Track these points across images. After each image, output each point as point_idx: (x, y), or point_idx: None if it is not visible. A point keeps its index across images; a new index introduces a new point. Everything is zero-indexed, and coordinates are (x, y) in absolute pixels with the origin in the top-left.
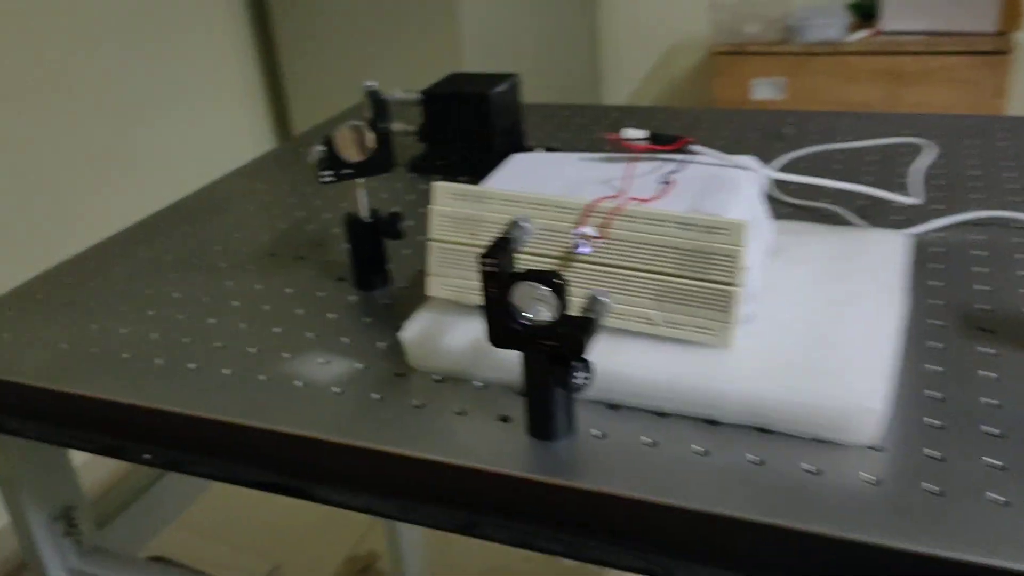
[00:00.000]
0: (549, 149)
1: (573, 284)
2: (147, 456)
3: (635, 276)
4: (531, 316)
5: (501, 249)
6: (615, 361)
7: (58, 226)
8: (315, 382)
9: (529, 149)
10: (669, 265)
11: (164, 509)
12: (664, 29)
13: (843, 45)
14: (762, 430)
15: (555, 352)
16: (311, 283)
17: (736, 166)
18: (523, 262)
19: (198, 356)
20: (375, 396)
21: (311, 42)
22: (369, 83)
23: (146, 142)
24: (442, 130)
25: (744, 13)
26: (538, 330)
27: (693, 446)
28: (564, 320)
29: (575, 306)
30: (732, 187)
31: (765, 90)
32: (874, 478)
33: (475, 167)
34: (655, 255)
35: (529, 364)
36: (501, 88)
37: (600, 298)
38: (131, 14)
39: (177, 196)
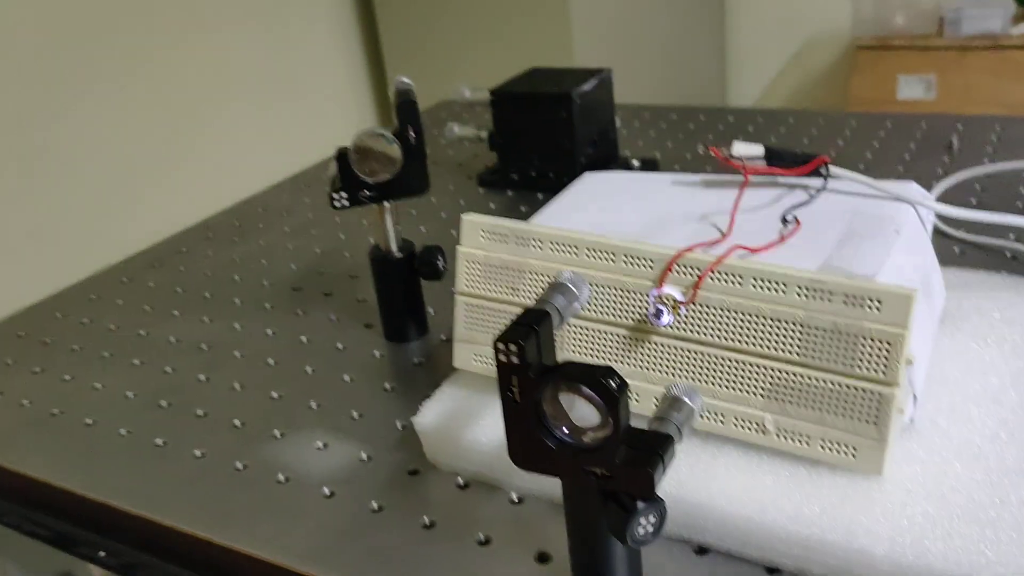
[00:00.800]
0: (645, 163)
1: (648, 367)
2: (102, 554)
3: (739, 361)
4: (575, 426)
5: (527, 329)
6: (705, 485)
7: (129, 228)
8: (303, 477)
9: (624, 161)
10: (790, 349)
11: None
12: (800, 21)
13: (1005, 39)
14: None
15: (609, 486)
16: (333, 330)
17: (893, 197)
18: (572, 335)
19: (171, 428)
20: (374, 506)
21: (416, 37)
22: (401, 79)
23: (229, 139)
24: (516, 137)
25: (891, 3)
26: (584, 452)
27: None
28: (621, 440)
29: (647, 406)
30: (887, 232)
31: (912, 89)
32: None
33: (556, 182)
34: (769, 333)
35: (571, 498)
36: (587, 86)
37: (683, 398)
38: (240, 4)
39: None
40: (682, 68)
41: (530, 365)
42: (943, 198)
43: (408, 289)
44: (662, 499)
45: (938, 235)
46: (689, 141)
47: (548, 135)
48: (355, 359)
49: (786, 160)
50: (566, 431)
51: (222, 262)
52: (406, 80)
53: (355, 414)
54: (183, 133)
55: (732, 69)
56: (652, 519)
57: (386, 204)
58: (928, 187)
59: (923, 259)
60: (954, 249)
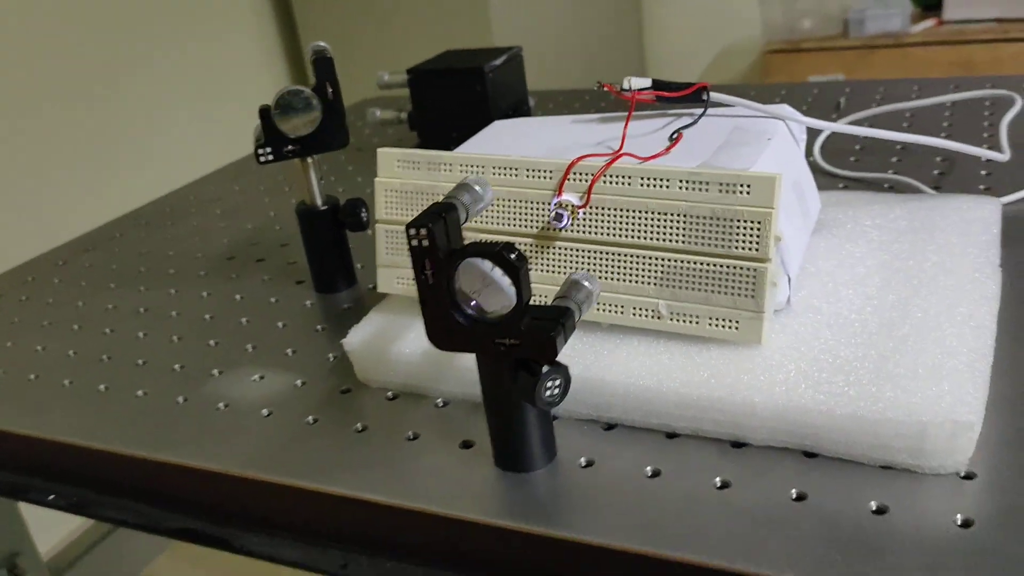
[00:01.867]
0: None
1: (554, 270)
2: (52, 497)
3: (632, 255)
4: (485, 307)
5: (436, 216)
6: (608, 366)
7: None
8: (242, 404)
9: None
10: (676, 238)
11: (125, 560)
12: (714, 28)
13: (905, 37)
14: (806, 454)
15: (517, 355)
16: (265, 288)
17: (768, 115)
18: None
19: (113, 377)
20: (310, 419)
21: (335, 29)
22: (317, 43)
23: (159, 135)
24: (433, 113)
25: (797, 8)
26: (492, 325)
27: (712, 477)
28: (526, 310)
29: (552, 295)
30: (760, 139)
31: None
32: (963, 518)
33: None
34: (657, 226)
35: (485, 371)
36: (499, 61)
37: (582, 281)
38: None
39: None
40: (600, 74)
41: (439, 248)
42: (831, 143)
43: (334, 240)
44: (564, 364)
45: (823, 175)
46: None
47: (464, 109)
48: (288, 309)
49: (671, 88)
50: (474, 307)
51: (156, 242)
52: (321, 43)
53: (289, 351)
54: (108, 128)
55: (651, 75)
56: (557, 381)
57: (309, 160)
58: (818, 134)
59: (794, 167)
60: (839, 185)
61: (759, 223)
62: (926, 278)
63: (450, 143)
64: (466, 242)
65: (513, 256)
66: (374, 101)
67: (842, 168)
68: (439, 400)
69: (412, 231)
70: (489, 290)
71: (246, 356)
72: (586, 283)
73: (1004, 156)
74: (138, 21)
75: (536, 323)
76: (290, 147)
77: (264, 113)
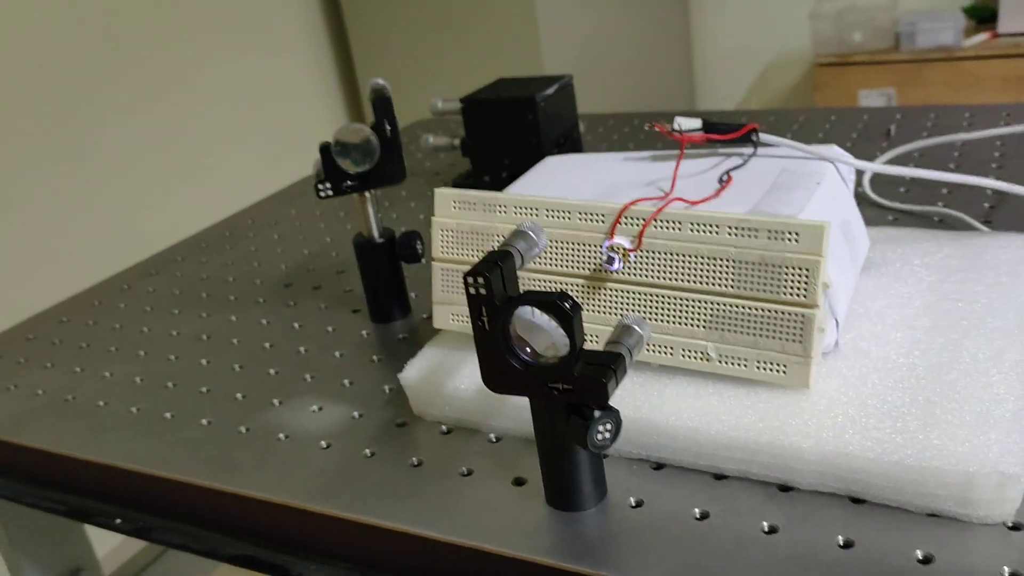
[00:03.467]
0: None
1: (605, 311)
2: (118, 521)
3: (682, 298)
4: (538, 352)
5: (492, 264)
6: (658, 407)
7: (123, 246)
8: (301, 435)
9: None
10: (725, 282)
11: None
12: (763, 42)
13: (958, 50)
14: (853, 500)
15: (569, 399)
16: (323, 316)
17: (817, 157)
18: (537, 287)
19: (178, 404)
20: (367, 452)
21: (389, 56)
22: (376, 80)
23: (218, 158)
24: (486, 142)
25: (848, 21)
26: (546, 370)
27: (759, 521)
28: (578, 357)
29: (604, 338)
30: (809, 183)
31: (873, 102)
32: (1011, 571)
33: None
34: (706, 270)
35: (538, 414)
36: (550, 91)
37: (633, 326)
38: (205, 17)
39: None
40: (650, 91)
41: (495, 295)
42: (880, 174)
43: (390, 272)
44: (616, 409)
45: (872, 207)
46: (650, 141)
47: (516, 138)
48: (344, 339)
49: (721, 130)
50: (529, 353)
51: (216, 266)
52: (380, 81)
53: (346, 382)
54: (172, 153)
55: (699, 91)
56: (608, 426)
57: (367, 194)
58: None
59: (842, 208)
60: (888, 218)
61: (807, 270)
62: (975, 320)
63: (502, 170)
64: (521, 283)
65: (567, 305)
66: (427, 125)
67: (892, 200)
68: (492, 435)
69: (470, 279)
70: (543, 335)
71: (304, 386)
72: (637, 328)
73: None
74: (198, 46)
75: (589, 368)
76: (349, 183)
77: (324, 150)
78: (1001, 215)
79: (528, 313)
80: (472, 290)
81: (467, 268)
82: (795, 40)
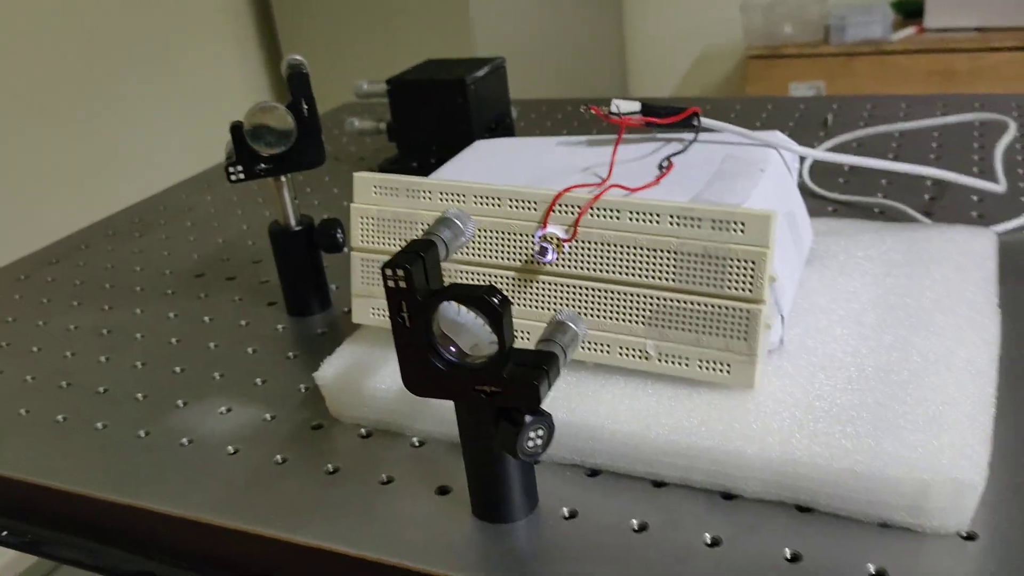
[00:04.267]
0: None
1: (538, 305)
2: (4, 534)
3: (619, 292)
4: (464, 350)
5: (413, 255)
6: (593, 410)
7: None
8: (207, 439)
9: None
10: (666, 275)
11: None
12: (696, 33)
13: (886, 44)
14: (800, 508)
15: (498, 403)
16: (236, 309)
17: (760, 143)
18: (465, 279)
19: (72, 405)
20: (279, 458)
21: (316, 37)
22: (292, 56)
23: (130, 140)
24: (413, 125)
25: (778, 13)
26: (473, 372)
27: (701, 533)
28: (508, 357)
29: (536, 334)
30: (753, 171)
31: (803, 95)
32: None
33: None
34: (646, 262)
35: (464, 419)
36: (481, 72)
37: (568, 323)
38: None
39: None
40: (583, 79)
41: (417, 289)
42: (821, 162)
43: (308, 262)
44: (548, 413)
45: (813, 197)
46: (585, 128)
47: (445, 122)
48: (258, 333)
49: (661, 113)
50: (454, 351)
51: (122, 255)
52: (297, 56)
53: (258, 381)
54: (80, 134)
55: (632, 81)
56: (540, 432)
57: (283, 178)
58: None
59: (787, 197)
60: (828, 208)
61: (753, 263)
62: (923, 317)
63: (430, 155)
64: (446, 275)
65: (496, 301)
66: (353, 108)
67: (831, 191)
68: (415, 439)
69: (388, 271)
70: (469, 332)
71: (213, 385)
72: (572, 324)
73: (1000, 187)
74: (110, 22)
75: (519, 370)
76: (263, 165)
77: (235, 130)
78: (941, 206)
79: (453, 309)
80: (391, 283)
81: (388, 258)
82: (727, 32)
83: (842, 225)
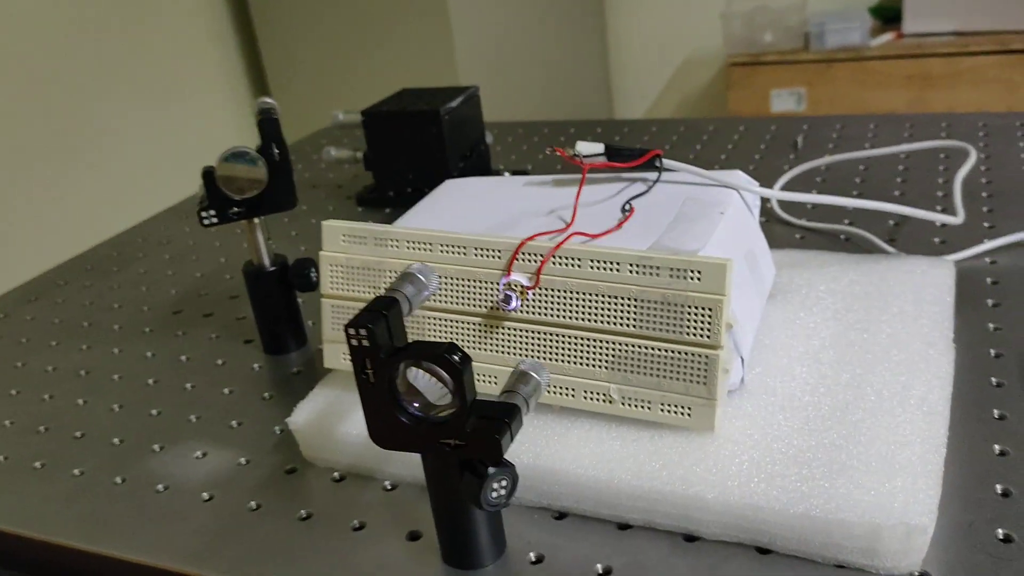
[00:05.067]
0: (515, 174)
1: (503, 350)
2: None
3: (582, 337)
4: (429, 403)
5: (376, 315)
6: (558, 453)
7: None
8: (182, 485)
9: (496, 173)
10: (627, 321)
11: None
12: (678, 42)
13: (865, 50)
14: (760, 550)
15: (462, 455)
16: (213, 347)
17: (719, 184)
18: (431, 326)
19: (49, 451)
20: (253, 504)
21: (299, 64)
22: (263, 99)
23: (110, 170)
24: (389, 155)
25: (759, 21)
26: (437, 425)
27: (665, 575)
28: (470, 411)
29: (502, 379)
30: (712, 214)
31: (784, 101)
32: None
33: None
34: (607, 309)
35: (430, 471)
36: (455, 103)
37: (530, 373)
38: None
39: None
40: (568, 90)
41: (381, 347)
42: (787, 189)
43: (283, 301)
44: (511, 464)
45: (780, 224)
46: (556, 156)
47: (420, 151)
48: (234, 373)
49: (624, 155)
50: (418, 407)
51: (101, 291)
52: (268, 100)
53: (234, 423)
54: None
55: (616, 91)
56: (504, 483)
57: (256, 220)
58: (772, 181)
59: (747, 238)
60: (796, 236)
61: (710, 310)
62: (879, 352)
63: (406, 184)
64: (413, 321)
65: (456, 359)
66: (331, 134)
67: (799, 217)
68: (387, 483)
69: (352, 331)
70: (432, 387)
71: (189, 428)
72: (534, 374)
73: (958, 219)
74: (87, 48)
75: (482, 423)
76: (235, 209)
77: (207, 176)
78: (905, 234)
79: (421, 366)
80: (354, 341)
81: (359, 305)
82: (708, 40)
83: (806, 257)
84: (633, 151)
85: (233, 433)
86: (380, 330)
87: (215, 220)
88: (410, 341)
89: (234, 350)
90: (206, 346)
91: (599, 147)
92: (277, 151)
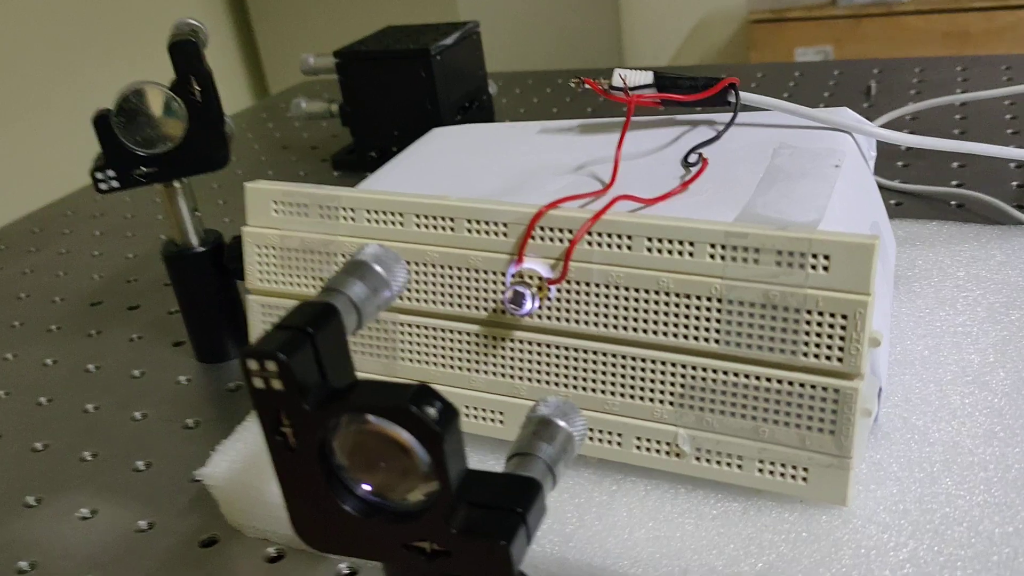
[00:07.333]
0: None
1: (511, 374)
2: None
3: (634, 359)
4: (391, 482)
5: (298, 339)
6: (598, 540)
7: None
8: (54, 563)
9: None
10: (706, 335)
11: None
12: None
13: (897, 5)
14: None
15: (446, 568)
16: (131, 353)
17: (826, 125)
18: (403, 340)
19: None
20: None
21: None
22: (184, 21)
23: (60, 130)
24: (369, 107)
25: None
26: (402, 520)
27: None
28: (457, 499)
29: (515, 429)
30: (825, 167)
31: (810, 60)
32: None
33: None
34: (675, 316)
35: None
36: (449, 41)
37: (555, 420)
38: None
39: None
40: (574, 47)
41: (305, 391)
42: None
43: (217, 293)
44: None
45: None
46: (577, 105)
47: (407, 101)
48: (153, 389)
49: (683, 87)
50: (372, 489)
51: (10, 276)
52: (191, 20)
53: (140, 465)
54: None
55: (628, 48)
56: None
57: (176, 184)
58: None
59: (868, 202)
60: (890, 202)
61: (845, 317)
62: None
63: (392, 143)
64: (367, 335)
65: (433, 412)
66: (312, 88)
67: (890, 178)
68: (343, 565)
69: (253, 365)
70: (395, 453)
71: (78, 472)
72: (562, 422)
73: None
74: None
75: (477, 516)
76: (143, 169)
77: (101, 122)
78: None
79: (365, 418)
80: (259, 382)
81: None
82: None
83: (923, 229)
84: (695, 80)
85: (136, 481)
86: (303, 363)
87: (116, 184)
88: (358, 375)
89: (157, 356)
90: (123, 351)
91: (647, 75)
92: (198, 88)
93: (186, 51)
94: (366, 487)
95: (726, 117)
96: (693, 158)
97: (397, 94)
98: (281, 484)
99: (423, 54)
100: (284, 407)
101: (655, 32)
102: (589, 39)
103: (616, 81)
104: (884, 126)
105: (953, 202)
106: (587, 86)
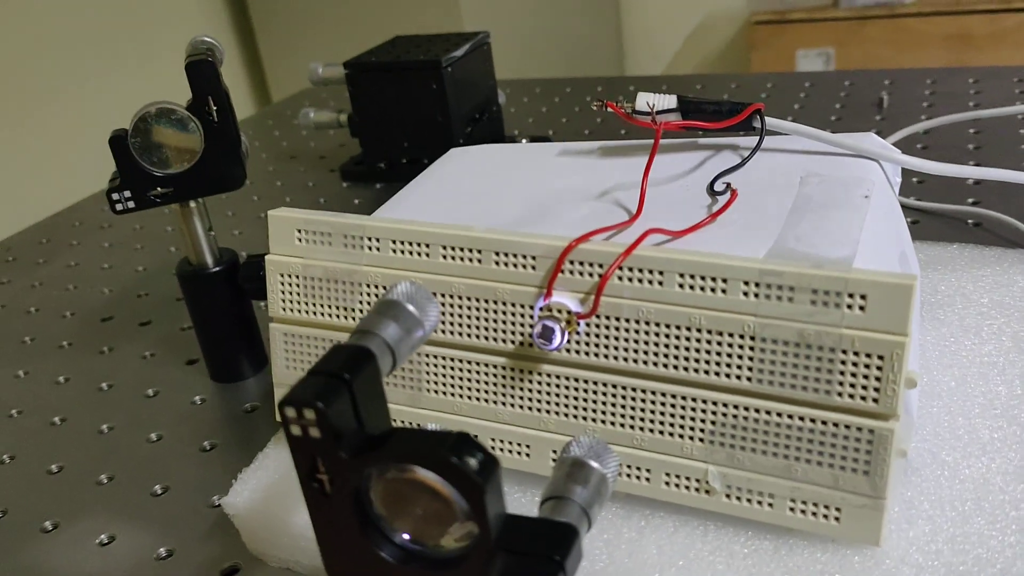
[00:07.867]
0: (535, 142)
1: (540, 408)
2: None
3: (665, 395)
4: (429, 529)
5: (335, 386)
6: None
7: None
8: None
9: (512, 141)
10: (739, 373)
11: None
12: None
13: (900, 7)
14: None
15: None
16: (144, 371)
17: (853, 152)
18: (428, 371)
19: None
20: None
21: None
22: (199, 38)
23: (69, 138)
24: (379, 118)
25: None
26: (439, 565)
27: None
28: (496, 543)
29: (543, 463)
30: (855, 198)
31: (811, 63)
32: None
33: None
34: (707, 353)
35: None
36: (460, 52)
37: (589, 462)
38: None
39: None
40: (575, 51)
41: (341, 438)
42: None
43: (232, 313)
44: None
45: None
46: (586, 115)
47: (417, 113)
48: (167, 410)
49: (707, 112)
50: (409, 537)
51: (19, 290)
52: (207, 38)
53: (157, 489)
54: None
55: (629, 49)
56: None
57: (192, 204)
58: None
59: (897, 233)
60: (907, 220)
61: (881, 358)
62: None
63: (401, 154)
64: (397, 376)
65: (475, 464)
66: (316, 96)
67: (906, 195)
68: None
69: (291, 412)
70: (433, 499)
71: (94, 496)
72: (594, 463)
73: None
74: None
75: (515, 566)
76: (159, 189)
77: (118, 143)
78: None
79: (403, 466)
80: (296, 429)
81: (324, 334)
82: None
83: (943, 252)
84: (720, 106)
85: (153, 505)
86: (340, 410)
87: (132, 205)
88: (393, 422)
89: (172, 375)
90: (136, 369)
91: (670, 100)
92: (215, 108)
93: (203, 71)
94: (404, 536)
95: (749, 140)
96: (720, 186)
97: (407, 105)
98: (316, 530)
99: (434, 65)
100: (321, 454)
101: (656, 33)
102: (590, 40)
103: (641, 105)
104: (898, 143)
105: (970, 221)
106: (610, 110)
